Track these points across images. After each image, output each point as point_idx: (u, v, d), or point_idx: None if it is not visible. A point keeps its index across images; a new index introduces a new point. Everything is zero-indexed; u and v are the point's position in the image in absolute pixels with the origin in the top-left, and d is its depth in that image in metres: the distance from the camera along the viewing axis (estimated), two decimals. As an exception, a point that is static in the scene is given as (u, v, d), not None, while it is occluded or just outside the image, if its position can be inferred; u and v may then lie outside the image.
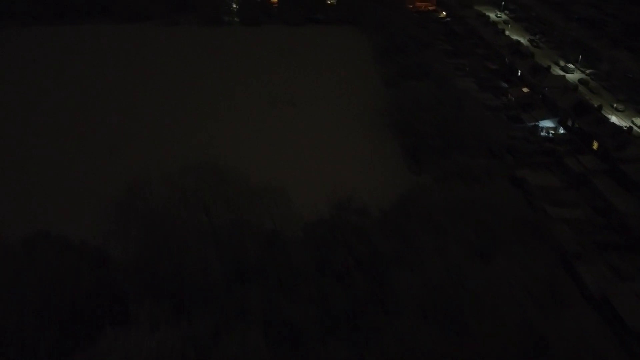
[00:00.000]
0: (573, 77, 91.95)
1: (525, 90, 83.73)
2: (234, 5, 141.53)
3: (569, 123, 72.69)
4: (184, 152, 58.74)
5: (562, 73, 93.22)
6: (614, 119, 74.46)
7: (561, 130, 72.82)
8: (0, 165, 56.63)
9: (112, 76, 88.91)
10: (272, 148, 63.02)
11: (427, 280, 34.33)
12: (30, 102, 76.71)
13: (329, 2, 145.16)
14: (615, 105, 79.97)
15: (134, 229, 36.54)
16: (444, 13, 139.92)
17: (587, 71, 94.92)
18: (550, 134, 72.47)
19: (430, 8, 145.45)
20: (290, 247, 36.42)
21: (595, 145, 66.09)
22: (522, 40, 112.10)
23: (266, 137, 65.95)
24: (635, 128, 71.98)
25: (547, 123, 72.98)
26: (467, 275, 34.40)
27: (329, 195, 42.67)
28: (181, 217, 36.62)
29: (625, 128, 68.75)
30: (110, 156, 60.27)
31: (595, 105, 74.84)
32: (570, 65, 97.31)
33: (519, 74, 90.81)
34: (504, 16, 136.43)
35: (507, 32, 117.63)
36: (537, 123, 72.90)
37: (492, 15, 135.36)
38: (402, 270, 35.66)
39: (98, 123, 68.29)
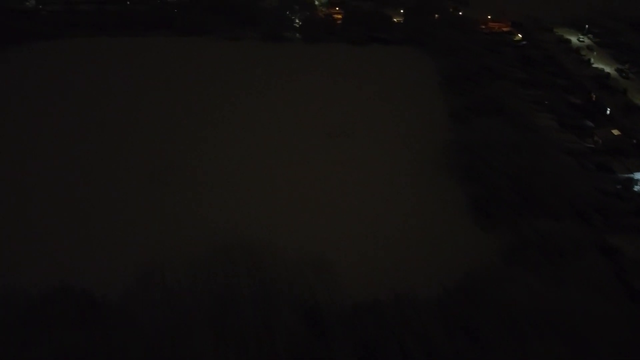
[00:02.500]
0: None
1: (615, 132, 73.31)
2: (297, 22, 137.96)
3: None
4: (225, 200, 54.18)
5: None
6: None
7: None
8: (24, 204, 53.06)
9: (163, 92, 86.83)
10: (313, 201, 54.76)
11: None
12: (77, 119, 74.91)
13: (395, 20, 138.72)
14: None
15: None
16: (519, 35, 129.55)
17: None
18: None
19: (504, 29, 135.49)
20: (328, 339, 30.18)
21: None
22: (608, 69, 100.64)
23: (310, 184, 58.61)
24: None
25: (643, 176, 62.81)
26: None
27: (380, 269, 36.22)
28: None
29: None
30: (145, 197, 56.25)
31: None
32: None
33: (608, 112, 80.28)
34: (587, 40, 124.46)
35: (591, 60, 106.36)
36: (631, 175, 62.76)
37: (574, 40, 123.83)
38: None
39: (138, 152, 64.56)
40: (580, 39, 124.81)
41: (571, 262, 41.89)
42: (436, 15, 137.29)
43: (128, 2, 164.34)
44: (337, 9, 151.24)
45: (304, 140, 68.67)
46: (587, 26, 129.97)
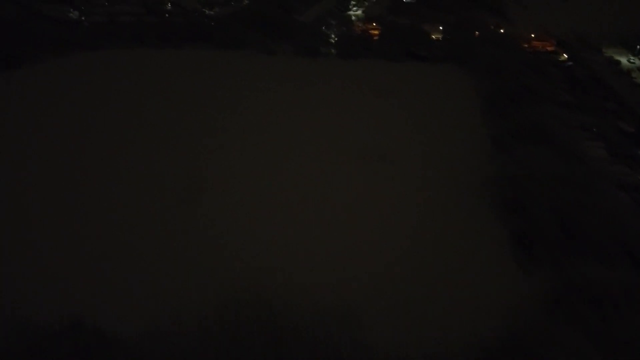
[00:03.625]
0: None
1: (671, 164, 68.06)
2: (333, 37, 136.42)
3: None
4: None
5: None
6: None
7: None
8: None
9: (195, 106, 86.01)
10: (340, 236, 50.87)
11: None
12: (106, 134, 74.25)
13: (434, 36, 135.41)
14: None
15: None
16: (565, 55, 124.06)
17: None
18: None
19: (548, 48, 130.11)
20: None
21: None
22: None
23: (340, 216, 55.06)
24: None
25: None
26: None
27: (411, 319, 33.01)
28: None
29: None
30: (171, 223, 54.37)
31: None
32: None
33: (663, 141, 74.92)
34: (638, 62, 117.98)
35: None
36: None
37: (624, 61, 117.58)
38: None
39: (163, 173, 62.69)
40: (631, 60, 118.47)
41: (624, 316, 37.67)
42: (476, 33, 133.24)
43: (167, 15, 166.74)
44: (374, 24, 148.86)
45: (336, 164, 65.65)
46: (638, 47, 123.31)
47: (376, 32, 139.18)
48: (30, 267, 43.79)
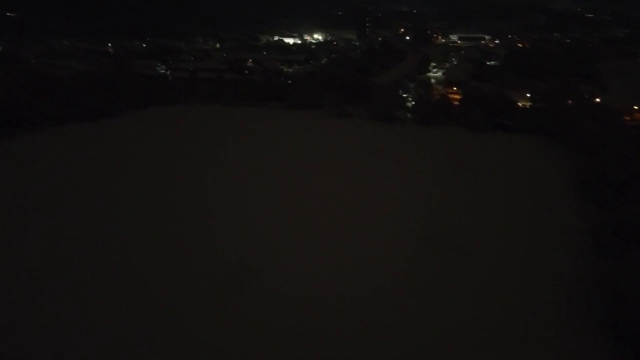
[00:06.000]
0: None
1: None
2: (410, 101, 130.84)
3: None
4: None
5: None
6: None
7: None
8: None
9: (260, 166, 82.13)
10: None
11: None
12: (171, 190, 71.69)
13: (521, 104, 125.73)
14: None
15: None
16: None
17: None
18: None
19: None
20: None
21: None
22: None
23: (400, 310, 47.86)
24: None
25: None
26: None
27: None
28: None
29: None
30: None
31: None
32: None
33: None
34: None
35: None
36: None
37: None
38: None
39: (216, 258, 57.85)
40: None
41: None
42: (569, 102, 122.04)
43: (246, 72, 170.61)
44: (454, 88, 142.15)
45: (399, 250, 57.17)
46: None
47: (457, 97, 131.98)
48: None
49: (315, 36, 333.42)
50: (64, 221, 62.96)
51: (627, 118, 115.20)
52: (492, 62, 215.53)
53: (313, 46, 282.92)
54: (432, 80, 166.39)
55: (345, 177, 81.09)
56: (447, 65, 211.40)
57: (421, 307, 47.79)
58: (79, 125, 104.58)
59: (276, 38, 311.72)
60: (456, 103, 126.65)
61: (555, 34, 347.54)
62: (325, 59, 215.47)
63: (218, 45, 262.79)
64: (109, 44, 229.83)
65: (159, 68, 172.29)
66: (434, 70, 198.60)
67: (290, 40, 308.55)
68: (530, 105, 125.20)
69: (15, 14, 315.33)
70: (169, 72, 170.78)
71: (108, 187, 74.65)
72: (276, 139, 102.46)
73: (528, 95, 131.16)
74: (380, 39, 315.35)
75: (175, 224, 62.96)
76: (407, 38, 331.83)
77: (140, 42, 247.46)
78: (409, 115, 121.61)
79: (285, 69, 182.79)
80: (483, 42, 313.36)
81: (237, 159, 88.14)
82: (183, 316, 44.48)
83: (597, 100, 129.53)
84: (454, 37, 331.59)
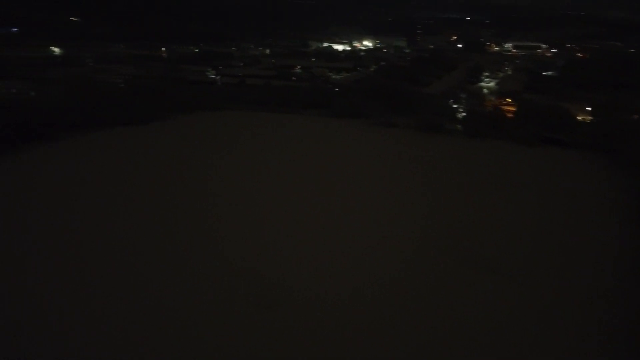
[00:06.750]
0: None
1: None
2: (460, 112, 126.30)
3: None
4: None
5: None
6: None
7: None
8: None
9: (300, 175, 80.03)
10: None
11: None
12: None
13: (579, 118, 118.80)
14: None
15: None
16: None
17: None
18: None
19: None
20: None
21: None
22: None
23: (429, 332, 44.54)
24: None
25: None
26: None
27: None
28: None
29: None
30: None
31: None
32: None
33: None
34: None
35: None
36: None
37: None
38: None
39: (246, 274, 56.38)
40: None
41: None
42: (634, 117, 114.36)
43: (293, 78, 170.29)
44: (508, 100, 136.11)
45: (437, 270, 53.80)
46: None
47: (510, 109, 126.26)
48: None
49: (365, 43, 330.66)
50: (94, 221, 63.62)
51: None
52: (549, 73, 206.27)
53: (362, 53, 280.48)
54: (485, 91, 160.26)
55: (382, 188, 78.09)
56: (501, 75, 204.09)
57: (451, 329, 44.61)
58: (125, 129, 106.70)
59: (325, 44, 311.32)
60: (509, 115, 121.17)
61: (618, 43, 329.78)
62: (374, 67, 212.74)
63: (268, 51, 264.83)
64: (163, 49, 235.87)
65: (208, 73, 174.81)
66: (487, 80, 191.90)
67: (340, 47, 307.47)
68: (589, 120, 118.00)
69: (78, 19, 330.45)
70: (218, 77, 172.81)
71: (139, 190, 73.98)
72: (313, 147, 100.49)
73: (588, 108, 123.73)
74: (431, 46, 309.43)
75: (209, 230, 62.31)
76: (459, 46, 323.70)
77: (193, 48, 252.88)
78: (458, 127, 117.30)
79: (332, 76, 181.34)
80: (539, 51, 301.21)
81: (273, 168, 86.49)
82: (213, 334, 43.24)
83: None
84: (508, 46, 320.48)
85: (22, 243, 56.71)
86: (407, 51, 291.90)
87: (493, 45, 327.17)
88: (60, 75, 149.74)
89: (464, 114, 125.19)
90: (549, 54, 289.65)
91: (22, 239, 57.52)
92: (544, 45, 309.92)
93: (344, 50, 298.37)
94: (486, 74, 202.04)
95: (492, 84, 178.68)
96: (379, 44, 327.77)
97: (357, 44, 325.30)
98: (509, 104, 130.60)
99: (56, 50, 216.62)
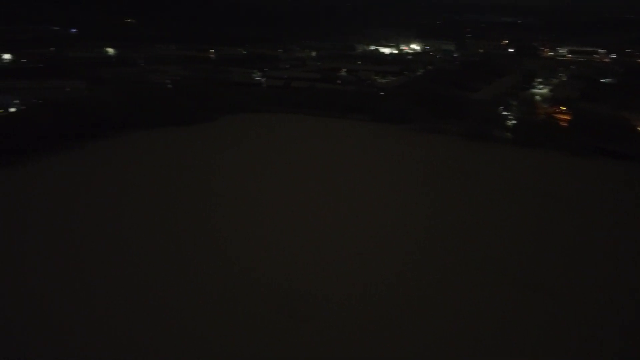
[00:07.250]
0: None
1: None
2: (511, 119, 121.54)
3: None
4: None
5: None
6: None
7: None
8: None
9: (335, 180, 79.33)
10: None
11: None
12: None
13: (639, 128, 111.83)
14: None
15: None
16: None
17: None
18: None
19: None
20: None
21: None
22: None
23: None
24: None
25: None
26: None
27: None
28: None
29: None
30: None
31: None
32: None
33: None
34: None
35: None
36: None
37: None
38: None
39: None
40: None
41: None
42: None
43: (339, 81, 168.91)
44: (562, 108, 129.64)
45: (476, 289, 50.96)
46: None
47: (564, 117, 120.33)
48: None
49: (413, 46, 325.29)
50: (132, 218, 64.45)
51: None
52: (607, 80, 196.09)
53: (409, 57, 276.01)
54: (537, 98, 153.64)
55: (418, 197, 76.22)
56: (555, 81, 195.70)
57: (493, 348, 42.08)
58: (170, 130, 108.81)
59: (372, 47, 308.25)
60: (563, 124, 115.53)
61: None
62: (421, 71, 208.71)
63: (314, 53, 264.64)
64: (211, 50, 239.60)
65: (254, 75, 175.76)
66: (539, 86, 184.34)
67: (387, 50, 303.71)
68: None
69: (132, 20, 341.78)
70: (263, 79, 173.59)
71: (175, 189, 75.65)
72: (351, 152, 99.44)
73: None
74: (480, 50, 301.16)
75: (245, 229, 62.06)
76: (510, 50, 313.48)
77: (240, 49, 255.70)
78: (508, 135, 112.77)
79: (378, 80, 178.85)
80: (596, 56, 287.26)
81: (309, 172, 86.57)
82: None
83: None
84: (563, 51, 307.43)
85: (64, 235, 58.49)
86: (456, 55, 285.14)
87: (547, 50, 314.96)
88: (112, 75, 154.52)
89: (514, 121, 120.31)
90: (607, 60, 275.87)
91: (55, 234, 59.37)
92: (601, 51, 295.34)
93: (391, 54, 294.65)
94: (539, 80, 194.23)
95: (545, 91, 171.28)
96: (426, 48, 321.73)
97: (404, 47, 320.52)
98: (562, 112, 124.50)
99: (110, 50, 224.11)
